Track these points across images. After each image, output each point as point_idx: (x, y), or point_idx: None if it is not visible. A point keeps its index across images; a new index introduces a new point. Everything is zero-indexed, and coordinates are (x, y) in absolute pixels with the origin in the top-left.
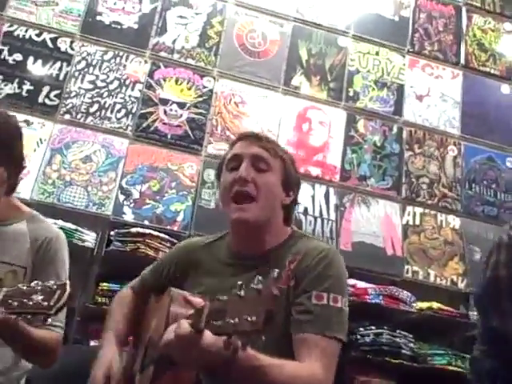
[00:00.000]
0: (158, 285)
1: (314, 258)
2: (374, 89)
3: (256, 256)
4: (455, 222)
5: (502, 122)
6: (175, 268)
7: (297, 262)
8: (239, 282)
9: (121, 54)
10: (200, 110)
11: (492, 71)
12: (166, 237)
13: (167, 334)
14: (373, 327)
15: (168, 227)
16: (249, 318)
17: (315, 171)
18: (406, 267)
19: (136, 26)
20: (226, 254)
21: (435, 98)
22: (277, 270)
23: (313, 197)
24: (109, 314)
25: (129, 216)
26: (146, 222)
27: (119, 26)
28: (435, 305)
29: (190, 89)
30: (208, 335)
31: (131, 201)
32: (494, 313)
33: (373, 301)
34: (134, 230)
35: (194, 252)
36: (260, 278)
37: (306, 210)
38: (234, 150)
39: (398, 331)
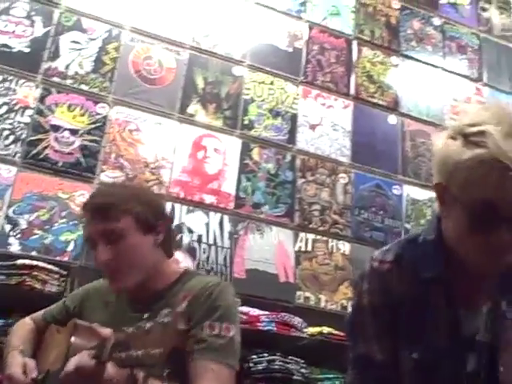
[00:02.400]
0: (61, 320)
1: (206, 293)
2: (268, 117)
3: (150, 297)
4: (345, 247)
5: (389, 151)
6: (79, 307)
7: (191, 297)
8: (145, 315)
9: (10, 78)
10: (93, 137)
11: (380, 102)
12: (55, 268)
13: (68, 365)
14: (266, 354)
15: (57, 258)
16: (153, 351)
17: (210, 199)
18: (298, 293)
19: (27, 50)
20: (122, 297)
21: (327, 127)
22: (183, 305)
23: (207, 224)
24: (10, 338)
25: (15, 247)
26: (34, 253)
27: (9, 50)
28: (326, 329)
29: (83, 115)
30: (110, 367)
31: (18, 231)
32: (359, 340)
33: (265, 328)
34: (19, 261)
35: (95, 293)
36: (166, 311)
37: (200, 237)
38: (85, 230)
39: (290, 357)
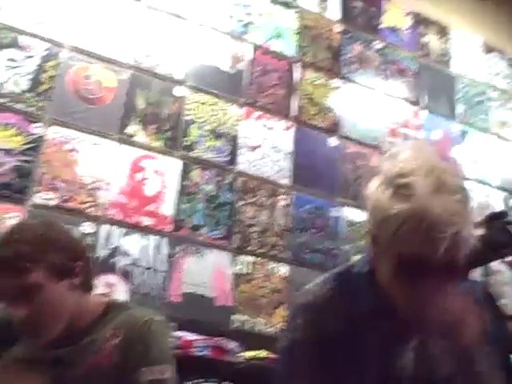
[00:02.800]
0: None
1: (137, 332)
2: (210, 139)
3: (73, 336)
4: (284, 269)
5: (329, 173)
6: None
7: (121, 337)
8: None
9: None
10: (28, 158)
11: (320, 124)
12: None
13: None
14: (201, 380)
15: None
16: None
17: (147, 221)
18: (235, 317)
19: None
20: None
21: (268, 148)
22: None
23: (144, 247)
24: None
25: None
26: None
27: None
28: (263, 353)
29: (18, 135)
30: None
31: None
32: (292, 376)
33: (200, 353)
34: None
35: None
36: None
37: (136, 261)
38: None
39: (225, 382)
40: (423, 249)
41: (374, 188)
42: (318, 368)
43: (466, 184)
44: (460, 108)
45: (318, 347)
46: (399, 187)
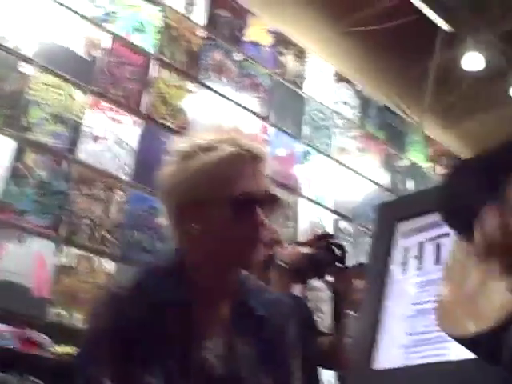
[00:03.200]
0: None
1: None
2: (51, 123)
3: None
4: (111, 266)
5: None
6: None
7: None
8: None
9: None
10: None
11: (170, 125)
12: None
13: None
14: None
15: None
16: None
17: None
18: (53, 310)
19: None
20: None
21: (112, 142)
22: None
23: None
24: None
25: None
26: None
27: None
28: (75, 349)
29: None
30: None
31: None
32: (91, 364)
33: (6, 345)
34: None
35: None
36: None
37: None
38: None
39: (31, 378)
40: (250, 183)
41: (172, 167)
42: (119, 357)
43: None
44: (306, 129)
45: (120, 336)
46: (209, 149)
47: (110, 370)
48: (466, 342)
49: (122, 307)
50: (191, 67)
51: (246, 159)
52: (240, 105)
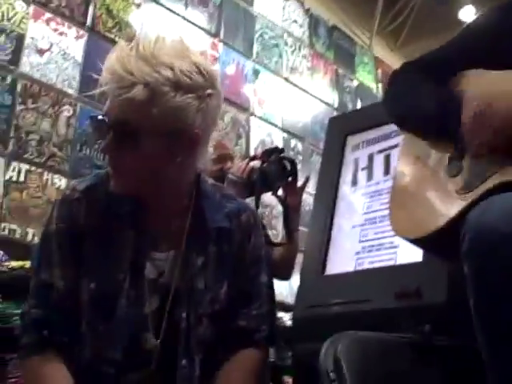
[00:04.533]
0: None
1: None
2: None
3: None
4: (61, 182)
5: None
6: None
7: None
8: None
9: None
10: None
11: (117, 39)
12: None
13: None
14: None
15: None
16: None
17: None
18: (4, 225)
19: None
20: None
21: (56, 54)
22: None
23: None
24: None
25: None
26: None
27: None
28: (29, 264)
29: None
30: None
31: None
32: (43, 266)
33: None
34: None
35: None
36: None
37: None
38: None
39: None
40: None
41: None
42: (69, 260)
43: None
44: (256, 48)
45: (71, 240)
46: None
47: (60, 272)
48: (422, 241)
49: (73, 210)
50: None
51: None
52: (189, 20)
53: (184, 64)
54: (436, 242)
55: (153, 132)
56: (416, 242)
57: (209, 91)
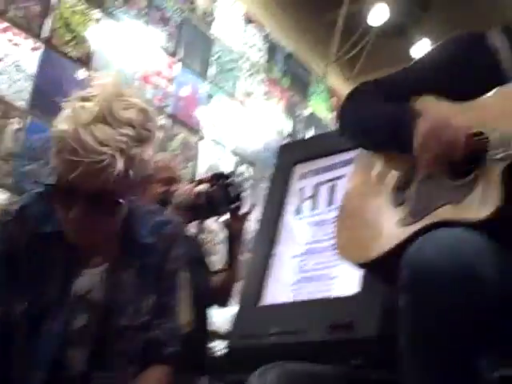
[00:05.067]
0: None
1: None
2: None
3: None
4: (3, 196)
5: None
6: None
7: None
8: None
9: None
10: None
11: (72, 53)
12: None
13: None
14: None
15: None
16: None
17: None
18: None
19: None
20: None
21: (9, 65)
22: None
23: None
24: None
25: None
26: None
27: None
28: None
29: None
30: None
31: None
32: None
33: None
34: None
35: None
36: None
37: None
38: None
39: None
40: (66, 172)
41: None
42: (2, 281)
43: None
44: (212, 70)
45: (4, 261)
46: (74, 109)
47: None
48: (367, 266)
49: (6, 232)
50: None
51: None
52: (147, 38)
53: (137, 115)
54: (376, 269)
55: (129, 192)
56: (357, 265)
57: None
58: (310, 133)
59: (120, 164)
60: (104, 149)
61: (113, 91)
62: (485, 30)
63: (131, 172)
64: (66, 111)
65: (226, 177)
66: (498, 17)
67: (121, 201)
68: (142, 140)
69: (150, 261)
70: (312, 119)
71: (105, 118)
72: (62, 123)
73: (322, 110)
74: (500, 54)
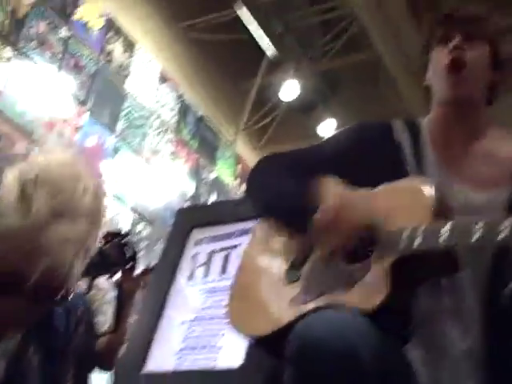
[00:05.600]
0: None
1: None
2: None
3: None
4: None
5: None
6: None
7: None
8: None
9: None
10: None
11: None
12: None
13: None
14: None
15: None
16: None
17: None
18: None
19: None
20: None
21: None
22: None
23: None
24: None
25: None
26: None
27: None
28: None
29: None
30: None
31: None
32: None
33: None
34: None
35: None
36: None
37: None
38: None
39: None
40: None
41: (8, 182)
42: None
43: (103, 206)
44: (121, 124)
45: None
46: (24, 197)
47: None
48: (257, 340)
49: None
50: (12, 32)
51: None
52: (59, 84)
53: (92, 202)
54: (265, 344)
55: None
56: (247, 338)
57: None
58: (213, 197)
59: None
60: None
61: None
62: (391, 121)
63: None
64: None
65: (123, 236)
66: (402, 107)
67: None
68: (94, 221)
69: (54, 345)
70: (216, 184)
71: (63, 213)
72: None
73: (227, 175)
74: (404, 148)
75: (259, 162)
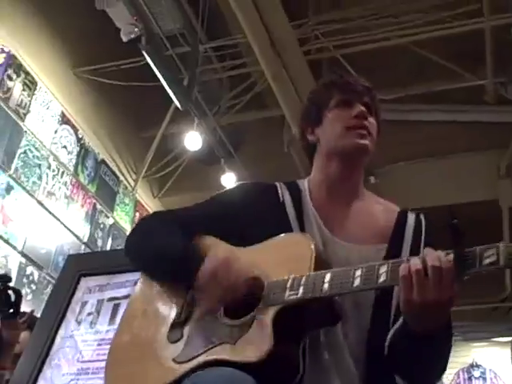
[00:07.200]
0: None
1: None
2: None
3: None
4: None
5: None
6: None
7: None
8: None
9: None
10: None
11: None
12: None
13: None
14: None
15: None
16: None
17: None
18: None
19: None
20: None
21: None
22: None
23: None
24: None
25: None
26: None
27: None
28: None
29: None
30: None
31: None
32: None
33: None
34: None
35: None
36: None
37: None
38: None
39: None
40: None
41: None
42: None
43: None
44: (16, 163)
45: None
46: None
47: None
48: None
49: None
50: None
51: None
52: None
53: None
54: None
55: None
56: None
57: None
58: (109, 243)
59: None
60: None
61: None
62: (275, 183)
63: None
64: None
65: (6, 280)
66: (305, 163)
67: None
68: None
69: None
70: (113, 229)
71: None
72: None
73: (125, 222)
74: (286, 207)
75: (144, 218)
